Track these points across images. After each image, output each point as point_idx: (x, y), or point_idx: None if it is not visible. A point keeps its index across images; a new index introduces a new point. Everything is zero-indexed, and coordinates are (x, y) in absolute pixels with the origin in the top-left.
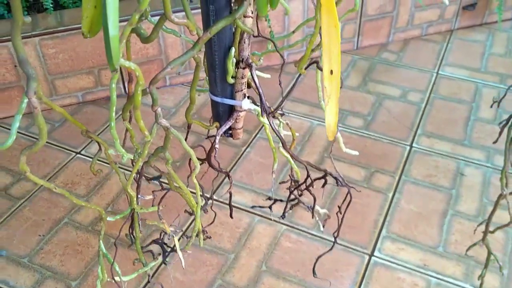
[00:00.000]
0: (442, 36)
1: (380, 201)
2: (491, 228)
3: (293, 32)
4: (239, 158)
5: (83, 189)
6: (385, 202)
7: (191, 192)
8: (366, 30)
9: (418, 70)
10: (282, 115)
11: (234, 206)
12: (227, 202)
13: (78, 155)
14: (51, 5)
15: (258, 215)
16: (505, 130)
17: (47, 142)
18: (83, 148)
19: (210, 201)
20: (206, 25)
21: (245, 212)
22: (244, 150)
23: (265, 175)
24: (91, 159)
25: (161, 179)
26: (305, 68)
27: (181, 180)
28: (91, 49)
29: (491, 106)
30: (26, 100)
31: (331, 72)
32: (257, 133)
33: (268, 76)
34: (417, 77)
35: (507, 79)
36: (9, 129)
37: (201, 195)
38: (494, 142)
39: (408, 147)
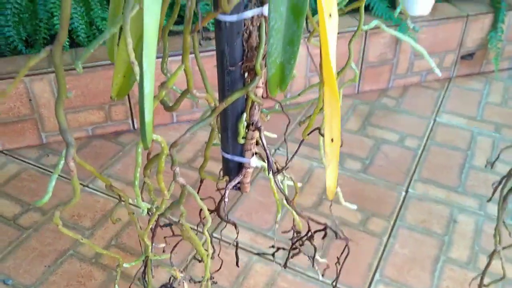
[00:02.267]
0: (440, 84)
1: (375, 245)
2: (485, 282)
3: (299, 95)
4: (239, 197)
5: (88, 222)
6: (379, 246)
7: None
8: (367, 76)
9: (416, 116)
10: (287, 168)
11: (232, 244)
12: (227, 240)
13: (85, 188)
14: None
15: (256, 254)
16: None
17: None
18: (90, 181)
19: (214, 240)
20: (222, 95)
21: (243, 250)
22: None
23: (264, 215)
24: (97, 192)
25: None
26: (308, 134)
27: (188, 212)
28: (103, 86)
29: (485, 166)
30: (62, 162)
31: (332, 140)
32: (258, 172)
33: (274, 136)
34: (415, 123)
35: (503, 128)
36: (22, 160)
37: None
38: (488, 201)
39: (403, 192)
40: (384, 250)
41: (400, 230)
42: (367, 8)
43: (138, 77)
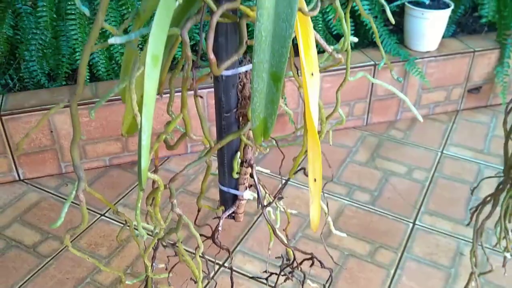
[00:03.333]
0: (448, 116)
1: (382, 276)
2: None
3: (293, 133)
4: (251, 227)
5: (105, 251)
6: (387, 277)
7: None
8: (376, 108)
9: (424, 148)
10: (280, 198)
11: (245, 275)
12: (236, 269)
13: (102, 217)
14: (87, 77)
15: (265, 283)
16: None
17: (73, 203)
18: (107, 211)
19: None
20: (219, 136)
21: (253, 281)
22: (256, 219)
23: (275, 245)
24: (114, 222)
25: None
26: (294, 174)
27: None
28: (119, 119)
29: (472, 193)
30: (73, 194)
31: (315, 180)
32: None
33: (267, 171)
34: (422, 156)
35: None
36: (42, 189)
37: (211, 261)
38: (467, 225)
39: (411, 224)
40: (391, 282)
41: (408, 262)
42: (375, 44)
43: (139, 128)
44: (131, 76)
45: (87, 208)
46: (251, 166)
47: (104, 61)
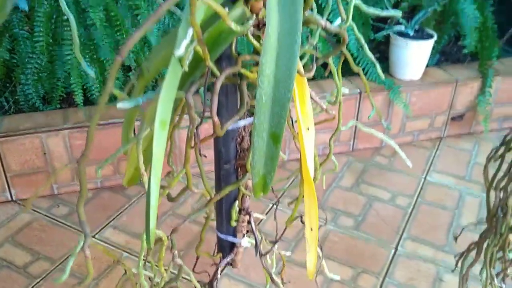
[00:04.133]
0: (432, 143)
1: None
2: None
3: (287, 178)
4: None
5: (94, 271)
6: None
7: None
8: (361, 135)
9: (407, 175)
10: (276, 242)
11: None
12: None
13: (93, 239)
14: (81, 101)
15: None
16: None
17: (64, 224)
18: (97, 232)
19: None
20: (218, 186)
21: None
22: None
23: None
24: (104, 243)
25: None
26: (291, 222)
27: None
28: (113, 142)
29: (455, 238)
30: (78, 250)
31: (311, 229)
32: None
33: (264, 217)
34: (406, 182)
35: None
36: (34, 210)
37: None
38: (452, 271)
39: (393, 250)
40: None
41: (389, 287)
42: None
43: (146, 187)
44: (138, 137)
45: (76, 229)
46: (249, 214)
47: (97, 85)
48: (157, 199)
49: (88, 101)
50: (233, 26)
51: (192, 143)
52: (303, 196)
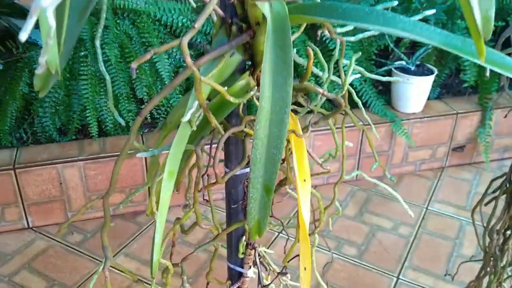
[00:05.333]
0: (433, 173)
1: None
2: None
3: (288, 221)
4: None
5: None
6: None
7: None
8: (364, 164)
9: (409, 204)
10: (284, 274)
11: None
12: None
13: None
14: (96, 133)
15: None
16: None
17: (78, 251)
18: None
19: None
20: (228, 222)
21: None
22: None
23: None
24: (117, 271)
25: None
26: (288, 262)
27: None
28: (126, 172)
29: (445, 275)
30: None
31: (305, 268)
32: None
33: (271, 252)
34: (408, 211)
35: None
36: (49, 237)
37: None
38: None
39: (395, 279)
40: None
41: None
42: (364, 105)
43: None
44: (152, 182)
45: (91, 257)
46: (254, 249)
47: (111, 117)
48: (161, 237)
49: (102, 133)
50: (232, 99)
51: (200, 187)
52: (298, 240)
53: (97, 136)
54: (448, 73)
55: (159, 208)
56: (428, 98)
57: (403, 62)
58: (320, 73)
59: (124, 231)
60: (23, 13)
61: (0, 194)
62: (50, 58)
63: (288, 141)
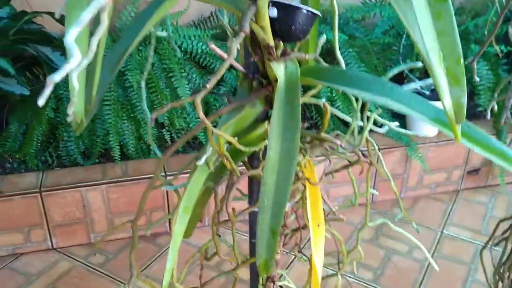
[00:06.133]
0: (449, 196)
1: None
2: None
3: (293, 260)
4: None
5: None
6: None
7: None
8: (380, 187)
9: (425, 228)
10: None
11: None
12: None
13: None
14: (118, 156)
15: None
16: None
17: (100, 272)
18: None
19: None
20: (251, 255)
21: None
22: None
23: None
24: None
25: None
26: None
27: None
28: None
29: None
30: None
31: None
32: None
33: (293, 286)
34: (423, 235)
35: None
36: (73, 258)
37: None
38: None
39: None
40: None
41: None
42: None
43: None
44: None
45: (113, 278)
46: (273, 282)
47: (133, 141)
48: (172, 264)
49: (124, 156)
50: (243, 148)
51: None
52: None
53: (119, 159)
54: None
55: (172, 239)
56: None
57: (418, 87)
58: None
59: (144, 252)
60: (50, 40)
61: (26, 216)
62: (76, 110)
63: (304, 186)
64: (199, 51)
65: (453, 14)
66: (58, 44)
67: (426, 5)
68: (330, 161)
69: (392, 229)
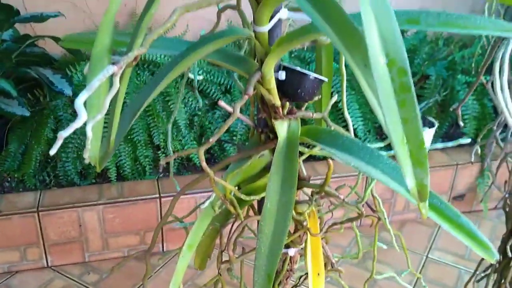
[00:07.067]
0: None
1: None
2: None
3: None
4: None
5: None
6: None
7: None
8: (367, 212)
9: (411, 252)
10: None
11: None
12: None
13: None
14: (114, 177)
15: None
16: None
17: None
18: None
19: None
20: None
21: None
22: None
23: None
24: None
25: None
26: None
27: None
28: (142, 216)
29: None
30: None
31: None
32: None
33: None
34: (409, 259)
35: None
36: (67, 276)
37: None
38: None
39: None
40: None
41: None
42: None
43: None
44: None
45: None
46: None
47: (129, 162)
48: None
49: (120, 177)
50: (243, 197)
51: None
52: None
53: (115, 180)
54: (448, 125)
55: (174, 274)
56: (430, 149)
57: None
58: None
59: (138, 272)
60: (51, 62)
61: (23, 235)
62: (91, 154)
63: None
64: (198, 78)
65: (416, 103)
66: (58, 66)
67: (392, 94)
68: (332, 214)
69: (379, 252)
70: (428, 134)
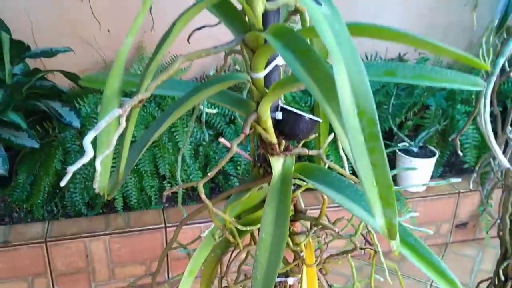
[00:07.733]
0: (438, 248)
1: None
2: None
3: None
4: None
5: None
6: None
7: None
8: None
9: (415, 280)
10: None
11: None
12: None
13: None
14: (121, 207)
15: None
16: None
17: None
18: None
19: None
20: None
21: None
22: None
23: None
24: None
25: None
26: None
27: None
28: (148, 246)
29: None
30: None
31: None
32: None
33: None
34: (412, 287)
35: None
36: None
37: None
38: None
39: None
40: None
41: None
42: None
43: None
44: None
45: None
46: None
47: (136, 192)
48: None
49: (127, 207)
50: (240, 227)
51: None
52: None
53: (122, 210)
54: (449, 154)
55: None
56: (432, 177)
57: (407, 144)
58: None
59: None
60: (60, 95)
61: (31, 265)
62: (100, 185)
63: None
64: (212, 112)
65: (384, 150)
66: (66, 99)
67: (363, 142)
68: (327, 245)
69: (382, 281)
70: (429, 163)
